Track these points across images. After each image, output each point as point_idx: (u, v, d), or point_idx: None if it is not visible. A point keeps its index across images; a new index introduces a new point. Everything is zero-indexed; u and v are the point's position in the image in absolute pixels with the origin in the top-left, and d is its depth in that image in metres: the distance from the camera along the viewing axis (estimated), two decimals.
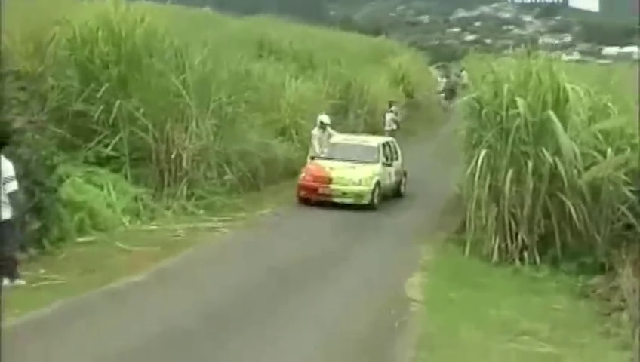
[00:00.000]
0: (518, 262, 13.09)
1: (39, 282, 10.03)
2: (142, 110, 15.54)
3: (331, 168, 17.73)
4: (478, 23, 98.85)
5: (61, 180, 12.14)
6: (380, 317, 9.68)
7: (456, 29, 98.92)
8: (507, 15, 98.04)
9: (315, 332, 9.09)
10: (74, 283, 10.12)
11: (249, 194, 17.28)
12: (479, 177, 13.48)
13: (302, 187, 17.55)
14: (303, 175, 17.74)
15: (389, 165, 18.66)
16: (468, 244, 13.62)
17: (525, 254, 13.17)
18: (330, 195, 17.25)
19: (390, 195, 18.61)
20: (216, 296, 10.26)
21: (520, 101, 13.18)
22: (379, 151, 18.52)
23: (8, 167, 9.64)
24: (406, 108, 31.82)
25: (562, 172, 12.84)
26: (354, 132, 26.81)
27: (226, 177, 16.70)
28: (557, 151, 13.07)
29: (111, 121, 15.27)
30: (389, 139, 20.81)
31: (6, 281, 9.71)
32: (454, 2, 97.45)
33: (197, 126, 16.06)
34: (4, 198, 9.59)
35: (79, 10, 16.34)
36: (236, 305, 9.94)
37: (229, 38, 25.64)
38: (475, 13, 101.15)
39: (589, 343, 9.19)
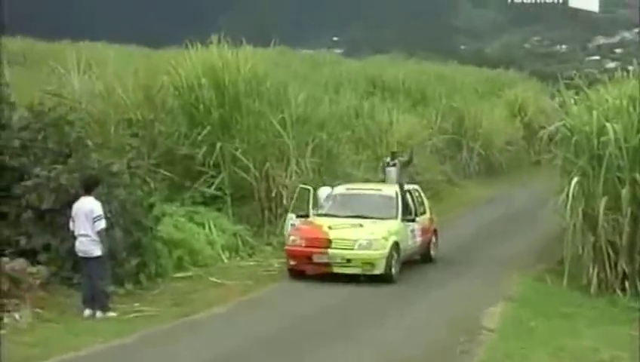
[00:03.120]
0: (619, 292, 12.69)
1: (130, 314, 10.68)
2: (243, 150, 16.25)
3: (330, 227, 13.45)
4: (619, 50, 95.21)
5: (158, 219, 12.81)
6: (444, 344, 9.66)
7: (596, 57, 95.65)
8: None
9: (374, 351, 9.30)
10: (162, 315, 10.75)
11: None
12: (573, 205, 13.19)
13: (290, 254, 13.38)
14: (292, 238, 13.57)
15: (412, 220, 14.37)
16: (565, 275, 13.29)
17: (627, 284, 12.75)
18: (328, 264, 13.07)
19: (416, 259, 14.89)
20: (286, 324, 10.58)
21: (610, 127, 12.86)
22: (397, 203, 14.23)
23: (97, 207, 10.40)
24: (524, 140, 31.25)
25: None
26: (467, 166, 26.79)
27: None
28: None
29: (214, 161, 16.04)
30: (412, 186, 15.81)
31: (98, 313, 10.45)
32: (592, 30, 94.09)
33: (297, 164, 16.57)
34: (95, 236, 10.35)
35: (186, 59, 17.32)
36: (300, 331, 10.26)
37: (342, 78, 26.49)
38: (615, 39, 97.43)
39: None
